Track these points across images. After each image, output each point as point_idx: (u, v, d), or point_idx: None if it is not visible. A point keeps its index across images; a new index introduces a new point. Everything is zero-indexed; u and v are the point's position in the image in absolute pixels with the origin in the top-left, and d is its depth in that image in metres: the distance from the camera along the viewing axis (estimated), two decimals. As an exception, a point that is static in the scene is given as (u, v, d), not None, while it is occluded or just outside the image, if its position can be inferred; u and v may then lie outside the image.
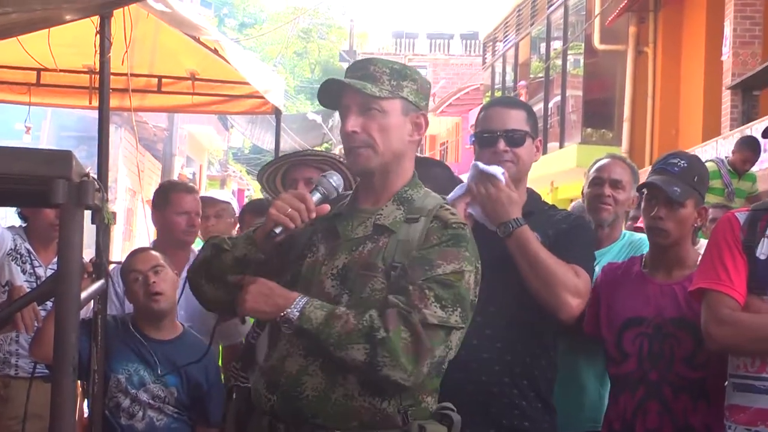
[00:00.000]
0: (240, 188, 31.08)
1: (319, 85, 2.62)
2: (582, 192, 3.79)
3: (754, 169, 8.70)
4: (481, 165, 3.05)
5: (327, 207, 2.53)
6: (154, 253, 3.79)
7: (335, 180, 2.57)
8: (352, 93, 2.52)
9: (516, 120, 3.12)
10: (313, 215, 2.47)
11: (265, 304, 2.44)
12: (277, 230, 2.44)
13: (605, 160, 3.70)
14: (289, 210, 2.44)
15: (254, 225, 2.61)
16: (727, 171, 8.34)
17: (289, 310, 2.40)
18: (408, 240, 2.47)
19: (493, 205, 2.99)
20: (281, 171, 3.84)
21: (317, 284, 2.49)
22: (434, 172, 3.40)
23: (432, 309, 2.37)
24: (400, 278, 2.42)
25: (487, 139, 3.12)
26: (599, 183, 3.63)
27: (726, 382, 2.88)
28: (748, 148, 8.48)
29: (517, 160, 3.09)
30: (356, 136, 2.51)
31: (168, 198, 4.37)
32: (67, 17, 3.25)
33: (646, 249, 3.43)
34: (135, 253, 3.79)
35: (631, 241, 3.66)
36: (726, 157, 8.58)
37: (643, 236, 3.56)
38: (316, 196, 2.52)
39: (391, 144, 2.53)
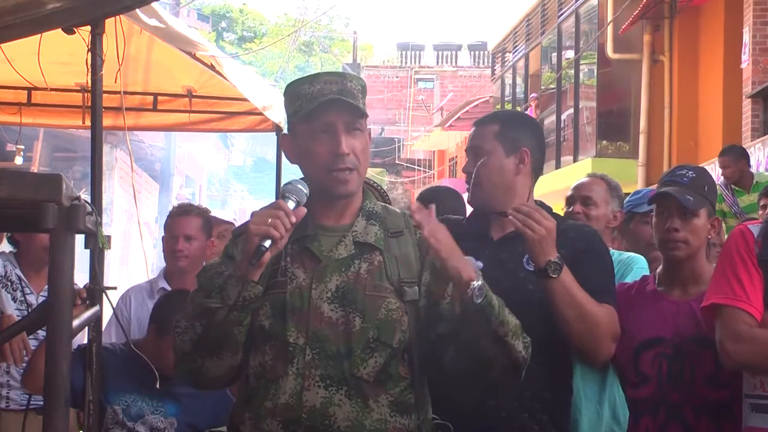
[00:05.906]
0: (243, 208, 30.90)
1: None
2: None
3: None
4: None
5: (304, 210, 2.41)
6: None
7: (301, 184, 2.45)
8: (337, 109, 2.42)
9: (480, 136, 3.05)
10: (293, 219, 2.36)
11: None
12: (266, 244, 2.32)
13: (582, 180, 3.97)
14: (270, 220, 2.33)
15: (215, 266, 2.46)
16: (731, 192, 8.19)
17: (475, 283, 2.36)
18: (405, 254, 2.48)
19: (540, 242, 2.83)
20: None
21: (314, 309, 2.41)
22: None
23: None
24: None
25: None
26: (571, 201, 3.89)
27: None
28: (722, 154, 8.40)
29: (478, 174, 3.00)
30: (347, 158, 2.43)
31: None
32: (53, 15, 3.13)
33: (636, 266, 3.52)
34: None
35: (620, 260, 3.60)
36: (727, 180, 8.34)
37: (632, 254, 3.67)
38: (291, 203, 2.40)
39: (367, 165, 2.50)
